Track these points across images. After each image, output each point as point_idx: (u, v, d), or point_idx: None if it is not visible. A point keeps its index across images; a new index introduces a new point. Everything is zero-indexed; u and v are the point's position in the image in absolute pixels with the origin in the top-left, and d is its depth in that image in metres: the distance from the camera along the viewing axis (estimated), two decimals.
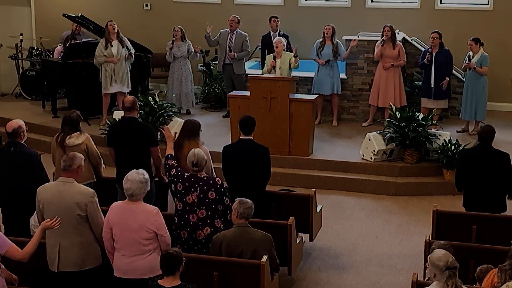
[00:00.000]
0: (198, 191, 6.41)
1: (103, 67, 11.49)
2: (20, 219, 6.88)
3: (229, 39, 12.10)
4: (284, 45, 11.06)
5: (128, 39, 12.42)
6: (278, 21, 12.32)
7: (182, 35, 12.18)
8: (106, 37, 11.48)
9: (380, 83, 11.56)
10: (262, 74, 11.16)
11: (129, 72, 11.66)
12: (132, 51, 11.67)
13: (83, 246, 5.93)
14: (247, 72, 12.19)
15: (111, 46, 11.44)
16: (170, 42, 12.21)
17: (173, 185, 6.53)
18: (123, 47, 11.49)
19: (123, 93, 11.58)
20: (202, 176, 6.47)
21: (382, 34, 11.47)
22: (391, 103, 10.90)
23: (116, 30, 11.47)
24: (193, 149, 6.57)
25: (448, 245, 5.77)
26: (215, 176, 6.79)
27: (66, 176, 5.98)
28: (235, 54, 12.02)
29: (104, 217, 5.90)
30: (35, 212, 6.28)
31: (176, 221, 6.50)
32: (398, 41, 11.58)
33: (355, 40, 11.77)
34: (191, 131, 7.31)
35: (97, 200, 5.95)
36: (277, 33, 12.18)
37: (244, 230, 6.09)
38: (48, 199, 5.92)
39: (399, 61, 11.49)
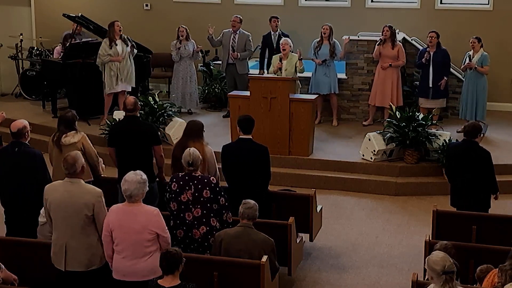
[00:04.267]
0: (192, 189, 6.40)
1: (108, 66, 11.39)
2: (23, 219, 6.88)
3: (232, 39, 12.07)
4: (291, 46, 11.06)
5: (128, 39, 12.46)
6: (278, 21, 12.30)
7: (187, 34, 12.17)
8: (110, 37, 11.38)
9: (378, 82, 11.57)
10: (263, 74, 11.14)
11: (134, 70, 11.63)
12: (134, 44, 11.68)
13: (90, 247, 5.92)
14: (250, 72, 12.18)
15: (116, 45, 11.37)
16: (176, 42, 12.15)
17: (171, 202, 6.52)
18: (126, 45, 11.50)
19: (124, 93, 11.60)
20: (197, 175, 6.47)
21: (382, 34, 11.48)
22: (391, 103, 10.91)
23: (121, 31, 11.47)
24: (188, 148, 6.55)
25: (450, 246, 5.78)
26: (218, 176, 6.79)
27: (72, 177, 5.94)
28: (238, 54, 11.99)
29: None
30: (42, 209, 6.28)
31: (172, 223, 6.48)
32: (397, 42, 11.57)
33: (346, 38, 11.78)
34: (195, 132, 7.28)
35: (103, 199, 5.94)
36: (277, 33, 12.17)
37: (246, 231, 6.09)
38: (56, 199, 5.89)
39: (397, 62, 11.48)
